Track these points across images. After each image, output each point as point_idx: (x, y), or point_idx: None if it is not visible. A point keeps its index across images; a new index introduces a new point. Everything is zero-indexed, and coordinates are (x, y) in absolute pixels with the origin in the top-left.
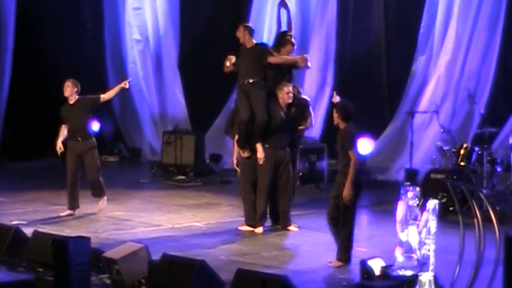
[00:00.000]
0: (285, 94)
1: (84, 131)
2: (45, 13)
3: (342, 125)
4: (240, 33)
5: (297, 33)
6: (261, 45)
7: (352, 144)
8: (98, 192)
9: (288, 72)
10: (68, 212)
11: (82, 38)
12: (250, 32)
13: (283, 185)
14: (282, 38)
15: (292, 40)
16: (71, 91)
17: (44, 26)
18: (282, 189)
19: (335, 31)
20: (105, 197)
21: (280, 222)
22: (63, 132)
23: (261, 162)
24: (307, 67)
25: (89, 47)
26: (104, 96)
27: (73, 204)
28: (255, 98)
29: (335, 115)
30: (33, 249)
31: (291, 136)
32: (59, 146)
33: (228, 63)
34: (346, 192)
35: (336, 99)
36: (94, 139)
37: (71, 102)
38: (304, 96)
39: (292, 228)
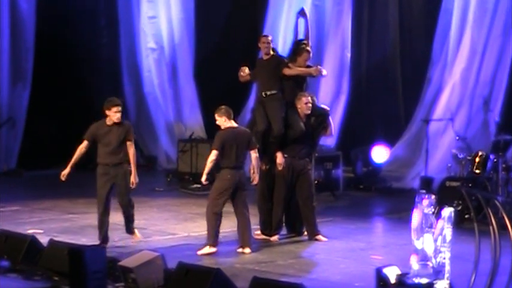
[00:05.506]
0: (304, 105)
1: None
2: (61, 21)
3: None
4: (266, 44)
5: (312, 42)
6: (277, 57)
7: None
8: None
9: (304, 81)
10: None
11: (98, 46)
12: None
13: (305, 195)
14: (297, 47)
15: (308, 48)
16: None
17: (61, 35)
18: (305, 200)
19: (350, 39)
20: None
21: (308, 232)
22: None
23: (280, 168)
24: (322, 76)
25: (105, 56)
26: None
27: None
28: (272, 109)
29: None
30: (49, 258)
31: (311, 146)
32: None
33: (242, 73)
34: None
35: None
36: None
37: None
38: (323, 106)
39: (320, 237)
